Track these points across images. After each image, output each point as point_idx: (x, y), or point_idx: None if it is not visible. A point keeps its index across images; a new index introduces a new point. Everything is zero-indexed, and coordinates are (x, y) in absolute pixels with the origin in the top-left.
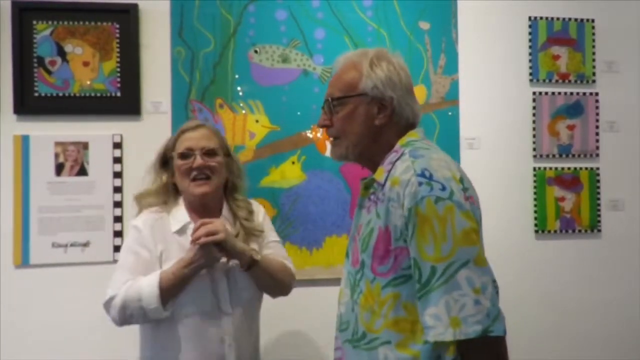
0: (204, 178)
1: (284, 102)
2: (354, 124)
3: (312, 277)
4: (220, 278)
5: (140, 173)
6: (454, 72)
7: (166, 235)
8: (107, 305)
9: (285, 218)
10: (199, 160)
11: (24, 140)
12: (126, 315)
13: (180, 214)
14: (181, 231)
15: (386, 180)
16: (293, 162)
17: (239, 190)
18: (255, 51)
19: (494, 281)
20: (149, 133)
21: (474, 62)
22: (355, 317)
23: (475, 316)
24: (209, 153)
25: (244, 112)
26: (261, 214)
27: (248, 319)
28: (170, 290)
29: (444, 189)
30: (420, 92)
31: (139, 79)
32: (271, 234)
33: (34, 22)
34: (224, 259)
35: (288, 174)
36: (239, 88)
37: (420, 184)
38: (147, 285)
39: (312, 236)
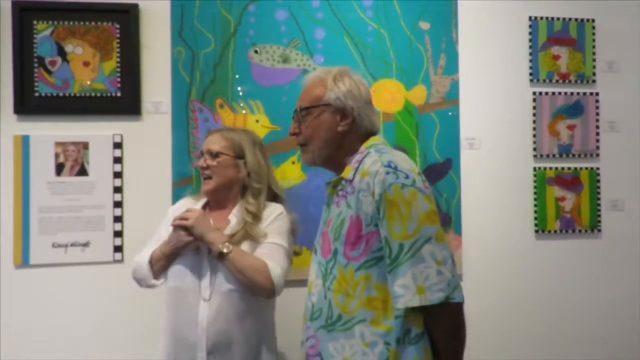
0: (207, 177)
1: (284, 102)
2: (320, 131)
3: None
4: (205, 265)
5: (141, 173)
6: (454, 72)
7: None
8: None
9: None
10: (201, 161)
11: (24, 140)
12: (136, 278)
13: (199, 205)
14: None
15: (354, 175)
16: (293, 162)
17: (254, 192)
18: (256, 51)
19: (452, 256)
20: (149, 133)
21: (474, 62)
22: (329, 303)
23: (438, 284)
24: (212, 155)
25: (244, 112)
26: (272, 217)
27: (231, 310)
28: (156, 263)
29: (407, 177)
30: (420, 92)
31: (139, 79)
32: (274, 236)
33: (35, 22)
34: (199, 246)
35: (288, 174)
36: (239, 88)
37: (387, 173)
38: (144, 257)
39: (312, 236)
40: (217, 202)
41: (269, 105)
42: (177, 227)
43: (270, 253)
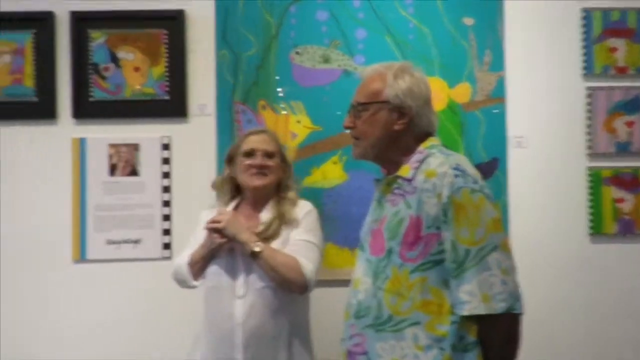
0: (261, 174)
1: (325, 102)
2: (375, 128)
3: None
4: (239, 264)
5: (187, 173)
6: (501, 69)
7: None
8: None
9: (327, 218)
10: (259, 160)
11: (82, 143)
12: (177, 280)
13: (229, 208)
14: None
15: (414, 175)
16: (334, 162)
17: (289, 191)
18: (297, 52)
19: (515, 266)
20: (195, 134)
21: (522, 58)
22: (379, 302)
23: (502, 294)
24: (267, 155)
25: (285, 112)
26: (304, 211)
27: (265, 306)
28: (194, 265)
29: (475, 182)
30: (464, 90)
31: (185, 82)
32: (303, 233)
33: (90, 31)
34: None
35: (329, 174)
36: (280, 89)
37: (456, 176)
38: (183, 260)
39: (354, 236)
40: (255, 198)
41: (310, 106)
42: (210, 230)
43: (301, 250)
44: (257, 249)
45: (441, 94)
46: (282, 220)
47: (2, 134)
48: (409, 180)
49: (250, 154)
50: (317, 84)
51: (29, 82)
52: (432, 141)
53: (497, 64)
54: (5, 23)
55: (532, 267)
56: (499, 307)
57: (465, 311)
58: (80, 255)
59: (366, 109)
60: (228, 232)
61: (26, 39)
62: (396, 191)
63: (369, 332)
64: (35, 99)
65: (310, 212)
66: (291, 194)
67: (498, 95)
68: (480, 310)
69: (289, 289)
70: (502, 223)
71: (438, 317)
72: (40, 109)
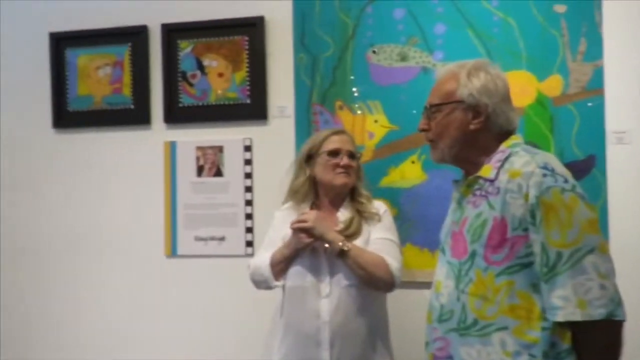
0: (346, 173)
1: (403, 101)
2: (450, 129)
3: None
4: (323, 263)
5: (268, 173)
6: (598, 58)
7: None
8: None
9: (406, 218)
10: (345, 160)
11: (172, 146)
12: (255, 281)
13: (305, 208)
14: None
15: (497, 175)
16: (413, 162)
17: (363, 191)
18: (374, 51)
19: (614, 270)
20: (275, 136)
21: (622, 45)
22: (463, 306)
23: (600, 300)
24: (351, 155)
25: (362, 112)
26: (380, 211)
27: (350, 304)
28: (276, 265)
29: (566, 181)
30: (555, 83)
31: (265, 85)
32: (382, 232)
33: (179, 41)
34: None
35: (408, 173)
36: (357, 89)
37: (544, 175)
38: (264, 260)
39: (433, 237)
40: (335, 197)
41: (388, 105)
42: (296, 230)
43: (383, 248)
44: (345, 248)
45: (529, 88)
46: (362, 217)
47: (103, 139)
48: (491, 181)
49: (335, 153)
50: (395, 83)
51: (127, 91)
52: (514, 139)
53: (594, 52)
54: (106, 38)
55: (635, 273)
56: (597, 313)
57: (560, 317)
58: (172, 251)
59: (440, 110)
60: (316, 232)
61: (124, 52)
62: (477, 192)
63: (452, 336)
64: (132, 107)
65: (387, 212)
66: (366, 194)
67: (595, 87)
68: (576, 316)
69: (376, 287)
70: (598, 225)
71: (527, 323)
72: (136, 115)
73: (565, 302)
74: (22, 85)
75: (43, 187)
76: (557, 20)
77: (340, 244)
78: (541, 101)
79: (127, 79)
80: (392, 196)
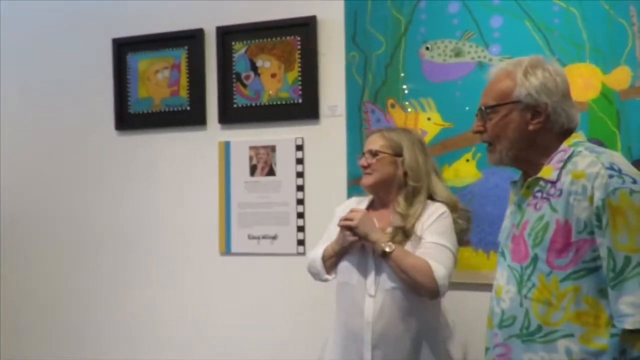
0: (367, 174)
1: (457, 97)
2: (507, 130)
3: (490, 282)
4: (370, 262)
5: (319, 172)
6: None
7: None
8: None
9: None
10: (362, 160)
11: (226, 146)
12: (311, 273)
13: (363, 204)
14: None
15: (559, 176)
16: (467, 160)
17: (408, 192)
18: (427, 48)
19: None
20: (326, 135)
21: None
22: (526, 312)
23: None
24: (372, 154)
25: (413, 110)
26: (434, 217)
27: (394, 307)
28: (327, 260)
29: (635, 182)
30: (622, 75)
31: (317, 85)
32: (435, 236)
33: (233, 43)
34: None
35: (462, 172)
36: (410, 86)
37: (611, 176)
38: (318, 253)
39: (489, 238)
40: (379, 200)
41: (441, 102)
42: (342, 227)
43: (433, 253)
44: (387, 249)
45: (593, 81)
46: (411, 221)
47: (161, 139)
48: (553, 182)
49: (362, 156)
50: (448, 79)
51: (184, 93)
52: (576, 137)
53: None
54: (164, 42)
55: None
56: None
57: (628, 324)
58: (226, 249)
59: (495, 112)
60: (359, 231)
61: (181, 55)
62: (538, 194)
63: (514, 343)
64: (188, 108)
65: (443, 215)
66: (420, 197)
67: None
68: None
69: (418, 293)
70: None
71: (595, 330)
72: (192, 116)
73: (635, 309)
74: (87, 89)
75: (106, 186)
76: (625, 8)
77: (383, 244)
78: (606, 95)
79: (184, 81)
80: None
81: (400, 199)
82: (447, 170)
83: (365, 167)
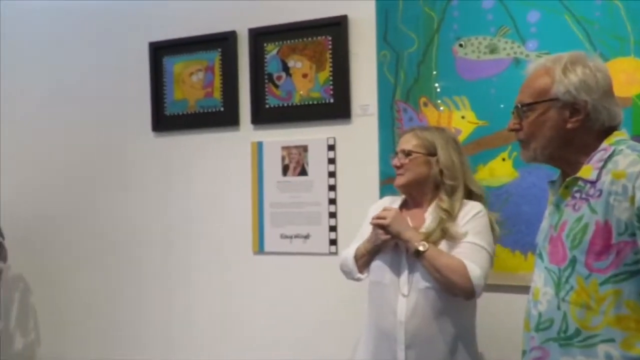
0: (400, 174)
1: (492, 95)
2: (544, 129)
3: (528, 284)
4: (403, 261)
5: (351, 172)
6: None
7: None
8: None
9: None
10: (395, 160)
11: (259, 146)
12: (343, 271)
13: (396, 203)
14: None
15: (599, 176)
16: (503, 159)
17: (447, 190)
18: (460, 45)
19: None
20: (358, 135)
21: None
22: (564, 315)
23: None
24: (405, 153)
25: (446, 108)
26: (469, 216)
27: (428, 307)
28: (360, 259)
29: None
30: None
31: (349, 84)
32: (471, 235)
33: (265, 45)
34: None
35: (498, 171)
36: (442, 85)
37: None
38: (350, 253)
39: (526, 238)
40: (412, 199)
41: (475, 100)
42: (375, 226)
43: (468, 253)
44: (421, 248)
45: (638, 75)
46: (446, 221)
47: (196, 140)
48: (592, 182)
49: (394, 156)
50: (483, 77)
51: (217, 94)
52: (619, 135)
53: None
54: (198, 45)
55: None
56: None
57: None
58: (259, 248)
59: (532, 110)
60: (392, 230)
61: (215, 57)
62: (577, 194)
63: (552, 346)
64: (222, 109)
65: (480, 214)
66: (457, 195)
67: None
68: None
69: (453, 293)
70: None
71: (637, 334)
72: (225, 117)
73: None
74: (125, 92)
75: (143, 186)
76: None
77: (416, 243)
78: None
79: (217, 83)
80: None
81: (443, 196)
82: (482, 170)
83: (398, 167)
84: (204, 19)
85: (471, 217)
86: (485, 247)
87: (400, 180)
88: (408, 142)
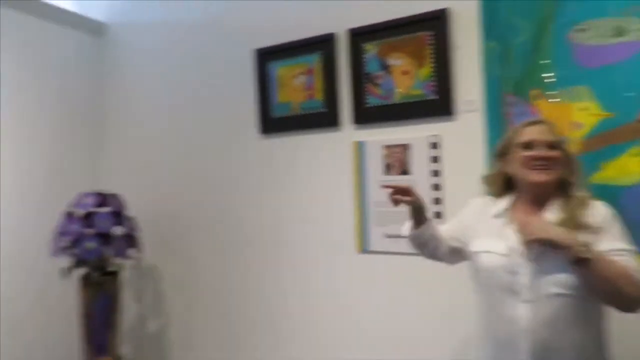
0: (543, 168)
1: (619, 83)
2: None
3: None
4: (524, 263)
5: (457, 170)
6: None
7: (484, 216)
8: None
9: (630, 222)
10: (541, 152)
11: (360, 145)
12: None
13: (503, 203)
14: (497, 216)
15: None
16: (634, 155)
17: (573, 188)
18: (580, 29)
19: None
20: (463, 131)
21: None
22: None
23: None
24: (549, 146)
25: (563, 100)
26: (602, 214)
27: (556, 316)
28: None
29: None
30: None
31: (451, 80)
32: (612, 242)
33: (363, 45)
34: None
35: (628, 168)
36: (558, 74)
37: None
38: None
39: None
40: (536, 196)
41: (599, 90)
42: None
43: (629, 261)
44: (588, 256)
45: None
46: (573, 223)
47: (300, 141)
48: None
49: (529, 145)
50: (607, 63)
51: (319, 96)
52: None
53: None
54: (299, 49)
55: None
56: None
57: None
58: (364, 247)
59: None
60: (543, 238)
61: (315, 60)
62: None
63: None
64: (323, 110)
65: (613, 216)
66: (581, 193)
67: None
68: None
69: (620, 305)
70: None
71: None
72: (327, 118)
73: None
74: (232, 97)
75: (252, 186)
76: None
77: (582, 250)
78: None
79: (318, 84)
80: (605, 195)
81: (580, 194)
82: (606, 167)
83: (542, 160)
84: (303, 23)
85: (604, 218)
86: (633, 250)
87: (546, 176)
88: (549, 133)
